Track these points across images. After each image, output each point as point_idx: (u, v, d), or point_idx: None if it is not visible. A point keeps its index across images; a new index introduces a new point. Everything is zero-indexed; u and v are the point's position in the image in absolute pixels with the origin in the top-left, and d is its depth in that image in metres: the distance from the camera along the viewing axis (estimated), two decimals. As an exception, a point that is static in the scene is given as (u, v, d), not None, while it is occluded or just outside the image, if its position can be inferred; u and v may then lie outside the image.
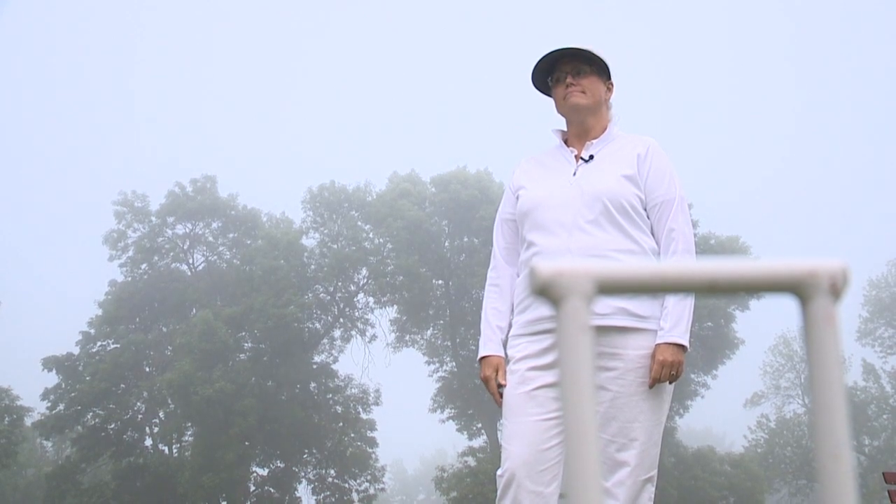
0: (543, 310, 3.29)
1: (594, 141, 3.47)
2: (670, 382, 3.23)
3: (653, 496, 3.26)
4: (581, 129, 3.51)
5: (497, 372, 3.40)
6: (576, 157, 3.47)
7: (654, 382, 3.19)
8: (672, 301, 3.24)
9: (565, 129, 3.59)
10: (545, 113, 3.69)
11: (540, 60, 3.51)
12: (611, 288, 0.74)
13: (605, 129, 3.52)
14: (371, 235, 38.28)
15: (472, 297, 38.50)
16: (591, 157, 3.43)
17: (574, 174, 3.41)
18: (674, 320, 3.22)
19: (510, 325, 3.50)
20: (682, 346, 3.21)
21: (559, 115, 3.60)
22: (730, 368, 38.84)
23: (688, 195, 3.48)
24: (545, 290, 0.72)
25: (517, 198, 3.52)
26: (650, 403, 3.21)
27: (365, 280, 38.75)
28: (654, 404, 3.23)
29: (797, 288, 0.75)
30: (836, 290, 0.75)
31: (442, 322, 38.57)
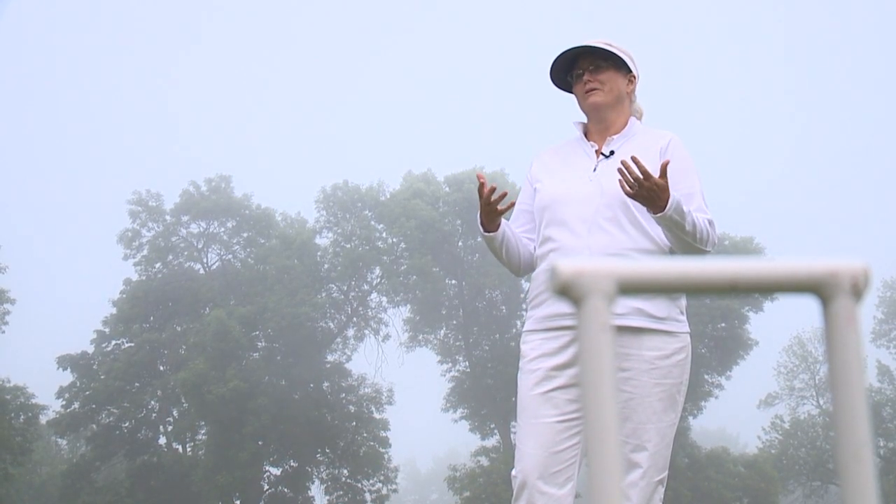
0: (559, 306, 3.24)
1: (615, 136, 3.43)
2: (634, 186, 3.05)
3: (662, 497, 3.26)
4: (602, 125, 3.46)
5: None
6: (596, 151, 3.42)
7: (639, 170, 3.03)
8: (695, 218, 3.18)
9: (586, 121, 3.54)
10: (562, 114, 3.67)
11: (556, 60, 3.47)
12: (632, 287, 0.73)
13: (627, 123, 3.47)
14: (384, 235, 38.31)
15: (486, 297, 38.50)
16: (612, 152, 3.38)
17: (594, 170, 3.37)
18: (687, 209, 3.14)
19: (520, 245, 3.44)
20: (666, 207, 3.06)
21: (581, 112, 3.56)
22: (744, 369, 38.74)
23: (705, 195, 3.46)
24: (566, 290, 0.72)
25: (535, 190, 3.48)
26: (664, 405, 3.19)
27: (378, 279, 38.78)
28: (668, 406, 3.20)
29: (818, 288, 0.75)
30: (857, 290, 0.75)
31: (455, 322, 38.57)
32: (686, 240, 3.17)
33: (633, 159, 3.04)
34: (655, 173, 3.22)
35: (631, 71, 3.49)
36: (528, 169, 3.60)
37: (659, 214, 3.09)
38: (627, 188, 3.07)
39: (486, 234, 3.39)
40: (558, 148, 3.57)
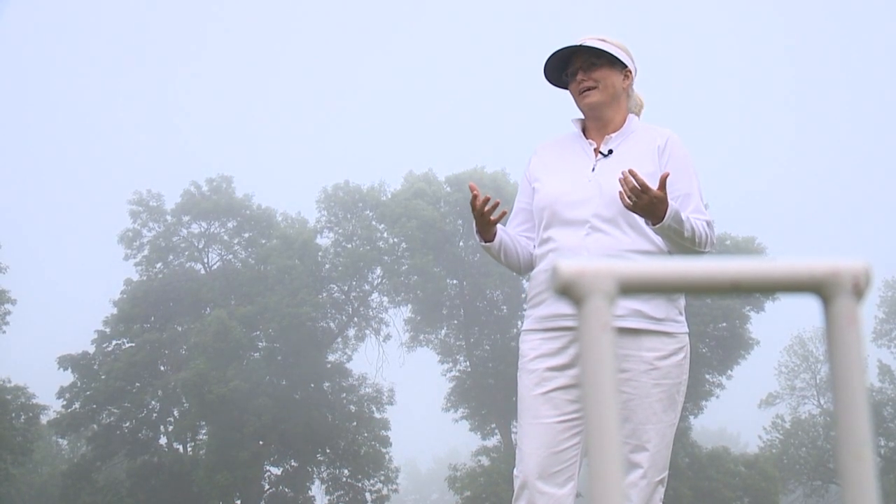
0: (558, 306, 3.23)
1: (613, 134, 3.40)
2: (632, 198, 3.03)
3: (662, 497, 3.26)
4: (599, 123, 3.43)
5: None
6: (595, 150, 3.40)
7: (636, 181, 3.01)
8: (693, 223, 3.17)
9: (584, 117, 3.51)
10: (563, 113, 3.65)
11: (549, 59, 3.43)
12: (634, 288, 0.74)
13: (625, 120, 3.44)
14: (385, 235, 38.31)
15: (487, 297, 38.48)
16: (611, 151, 3.37)
17: (593, 170, 3.35)
18: (685, 216, 3.14)
19: (519, 247, 3.44)
20: (664, 218, 3.05)
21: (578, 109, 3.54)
22: (745, 369, 38.73)
23: (703, 195, 3.45)
24: (567, 290, 0.72)
25: (534, 189, 3.46)
26: (663, 405, 3.19)
27: (379, 279, 38.79)
28: (667, 406, 3.20)
29: (820, 288, 0.75)
30: (858, 290, 0.75)
31: (456, 322, 38.58)
32: (684, 244, 3.17)
33: (632, 173, 3.03)
34: (652, 170, 3.22)
35: (626, 66, 3.45)
36: (527, 166, 3.57)
37: (657, 225, 3.08)
38: (626, 200, 3.06)
39: (484, 244, 3.40)
40: (556, 143, 3.54)
